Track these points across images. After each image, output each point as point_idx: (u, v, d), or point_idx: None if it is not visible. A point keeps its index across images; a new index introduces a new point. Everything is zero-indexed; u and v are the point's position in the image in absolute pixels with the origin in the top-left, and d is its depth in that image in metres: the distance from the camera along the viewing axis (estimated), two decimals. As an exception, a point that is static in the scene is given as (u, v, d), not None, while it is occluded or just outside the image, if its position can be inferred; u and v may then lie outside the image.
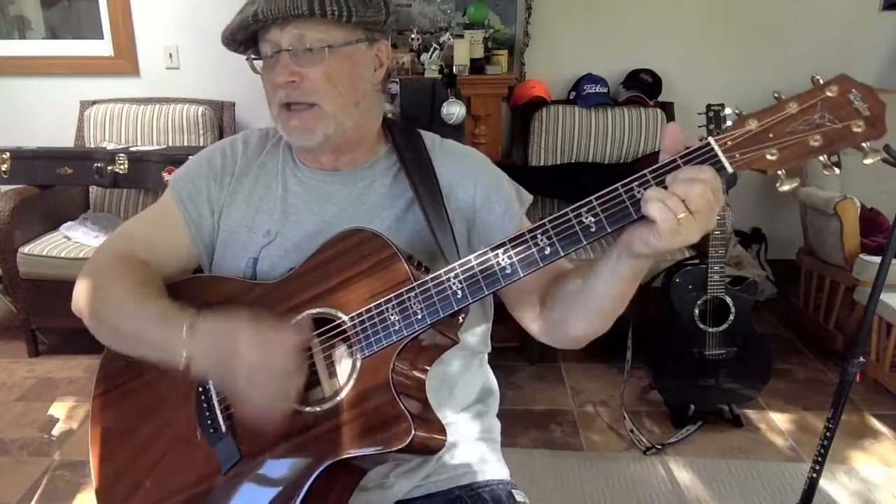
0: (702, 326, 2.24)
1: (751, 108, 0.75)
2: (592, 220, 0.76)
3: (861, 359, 1.53)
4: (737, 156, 0.72)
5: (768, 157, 0.72)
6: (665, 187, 0.72)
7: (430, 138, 1.10)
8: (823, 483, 1.84)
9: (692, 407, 2.34)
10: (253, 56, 1.00)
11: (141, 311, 0.94)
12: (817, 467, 1.62)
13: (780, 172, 0.73)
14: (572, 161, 3.21)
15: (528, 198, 1.11)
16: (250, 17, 0.93)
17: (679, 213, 0.70)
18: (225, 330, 0.88)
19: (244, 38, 0.99)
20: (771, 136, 0.72)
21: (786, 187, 0.74)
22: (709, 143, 0.73)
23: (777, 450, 2.24)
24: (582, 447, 2.27)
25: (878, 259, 1.56)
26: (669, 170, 0.73)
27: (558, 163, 3.21)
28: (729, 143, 0.73)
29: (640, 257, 0.78)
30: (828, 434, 1.59)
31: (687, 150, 0.74)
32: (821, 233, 2.84)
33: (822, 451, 1.61)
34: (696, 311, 2.24)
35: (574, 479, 2.10)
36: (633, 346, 2.35)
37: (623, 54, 3.33)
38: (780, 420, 2.40)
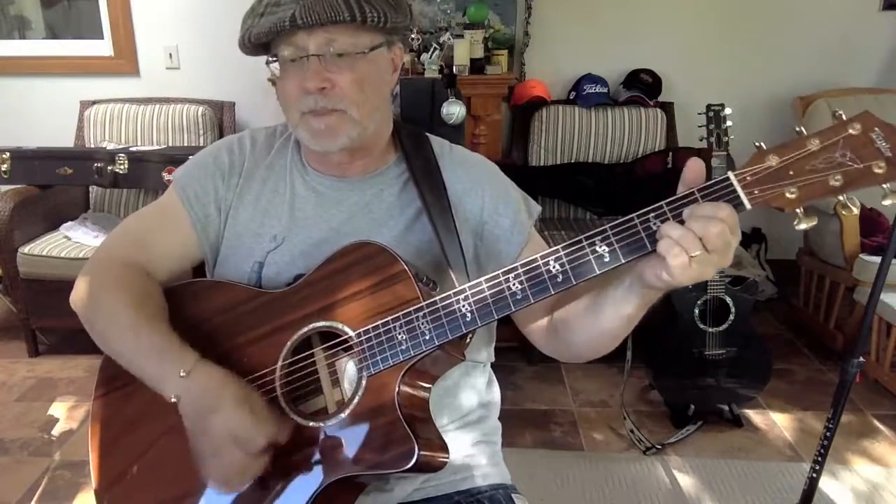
0: (702, 326, 2.24)
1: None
2: (606, 249, 0.75)
3: (861, 359, 1.53)
4: (756, 192, 0.70)
5: (787, 195, 0.69)
6: (682, 220, 0.71)
7: (438, 144, 1.08)
8: (823, 483, 1.83)
9: (692, 407, 2.34)
10: (270, 59, 0.97)
11: (138, 338, 0.91)
12: (817, 467, 1.62)
13: (798, 211, 0.70)
14: (572, 161, 3.21)
15: (537, 209, 1.10)
16: (287, 21, 0.88)
17: (694, 251, 0.69)
18: (216, 389, 0.87)
19: (265, 41, 0.95)
20: (791, 173, 0.69)
21: (803, 226, 0.71)
22: (728, 178, 0.71)
23: (777, 450, 2.24)
24: (582, 447, 2.27)
25: (878, 259, 1.56)
26: (687, 203, 0.72)
27: (558, 163, 3.21)
28: (749, 178, 0.70)
29: (651, 288, 0.77)
30: (828, 434, 1.59)
31: (706, 184, 0.72)
32: (821, 233, 2.84)
33: (822, 451, 1.60)
34: (696, 310, 2.24)
35: (574, 479, 2.10)
36: (632, 346, 2.35)
37: (623, 54, 3.32)
38: (780, 420, 2.40)
